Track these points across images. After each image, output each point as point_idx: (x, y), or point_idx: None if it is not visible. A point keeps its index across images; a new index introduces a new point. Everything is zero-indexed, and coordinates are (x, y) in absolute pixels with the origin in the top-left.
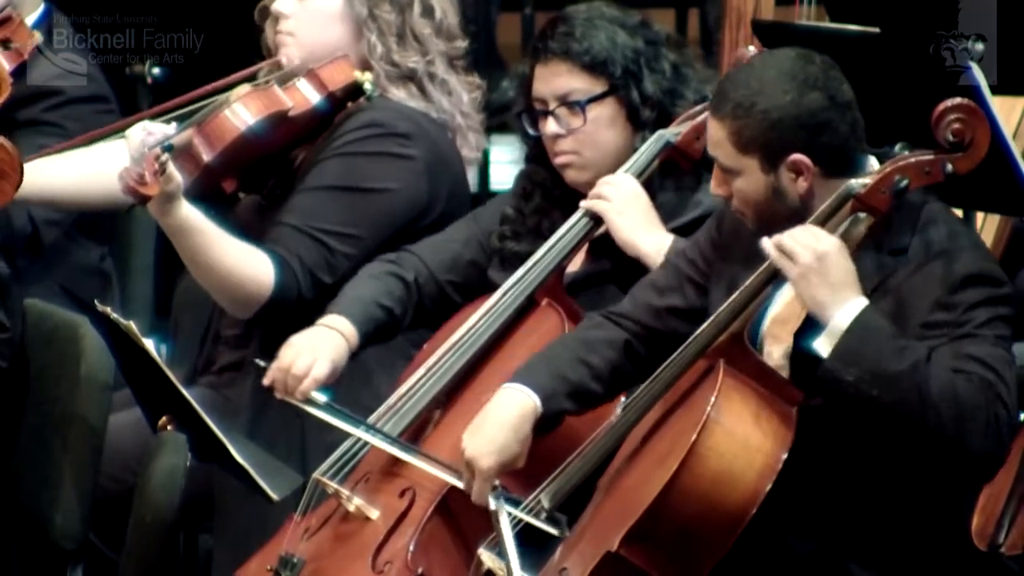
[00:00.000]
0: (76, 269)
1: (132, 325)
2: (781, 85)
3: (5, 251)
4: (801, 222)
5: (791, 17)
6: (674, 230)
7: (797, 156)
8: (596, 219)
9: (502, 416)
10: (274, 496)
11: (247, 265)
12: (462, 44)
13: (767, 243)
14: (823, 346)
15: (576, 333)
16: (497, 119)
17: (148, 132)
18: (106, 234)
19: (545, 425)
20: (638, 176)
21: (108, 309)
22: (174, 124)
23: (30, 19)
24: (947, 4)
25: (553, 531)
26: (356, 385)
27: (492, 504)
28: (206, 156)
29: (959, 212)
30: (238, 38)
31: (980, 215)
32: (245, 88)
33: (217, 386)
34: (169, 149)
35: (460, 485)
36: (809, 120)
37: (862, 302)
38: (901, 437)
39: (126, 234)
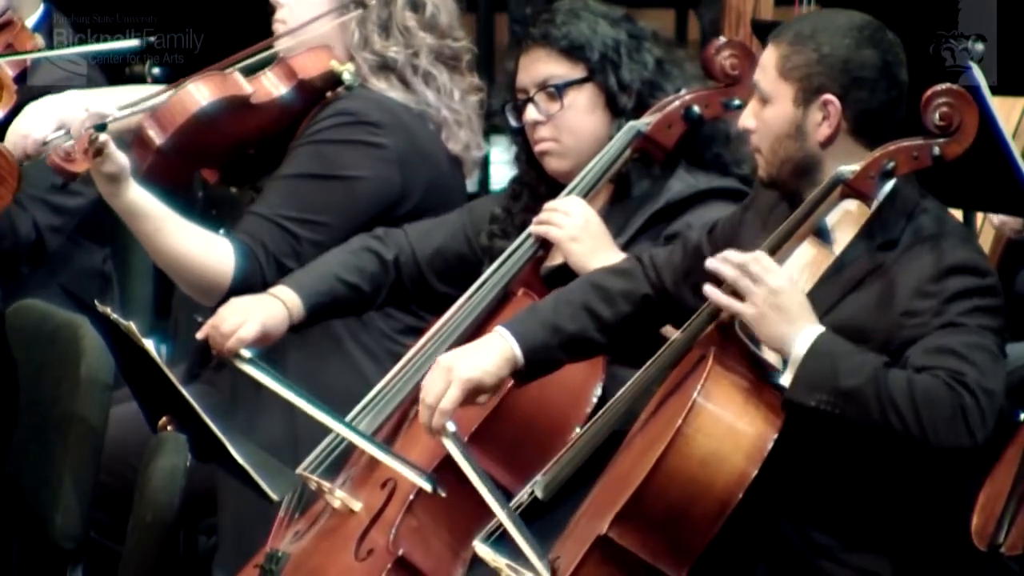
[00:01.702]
0: (78, 271)
1: (132, 325)
2: (845, 31)
3: (10, 259)
4: (806, 179)
5: (790, 17)
6: (648, 218)
7: (830, 96)
8: (544, 243)
9: (485, 350)
10: (274, 496)
11: (204, 251)
12: (457, 44)
13: (713, 292)
14: (786, 379)
15: (598, 276)
16: (497, 120)
17: (90, 112)
18: (107, 236)
19: (535, 371)
20: (610, 165)
21: (108, 309)
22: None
23: (31, 20)
24: (947, 4)
25: (426, 486)
26: (350, 384)
27: (451, 427)
28: (158, 139)
29: (959, 213)
30: (238, 38)
31: (980, 215)
32: None
33: (215, 383)
34: (102, 128)
35: (383, 455)
36: (855, 70)
37: (817, 329)
38: (874, 443)
39: (126, 234)
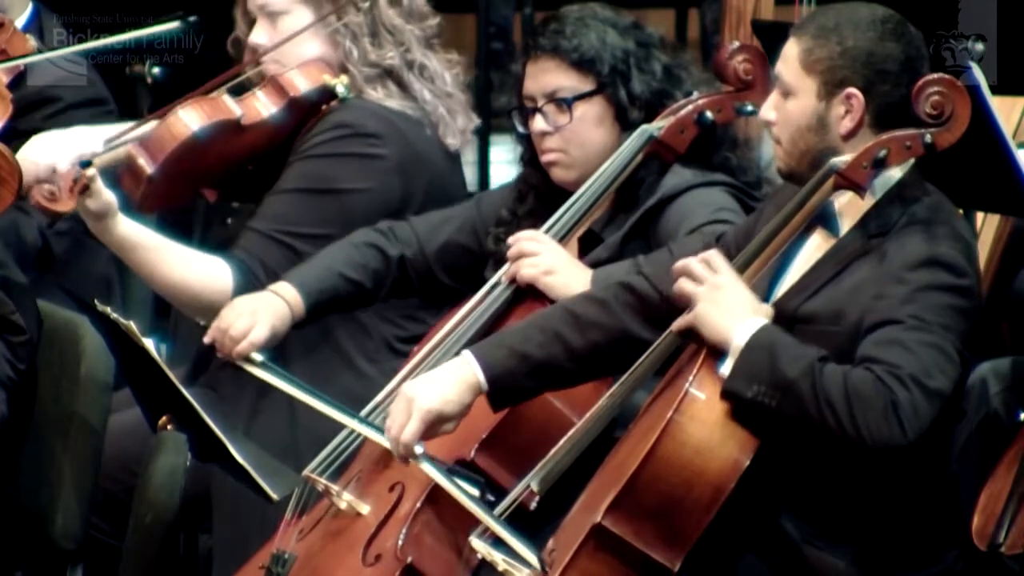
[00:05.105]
0: (82, 274)
1: (132, 325)
2: (868, 25)
3: (20, 266)
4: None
5: (791, 17)
6: (640, 216)
7: (853, 90)
8: (520, 287)
9: (447, 377)
10: (274, 496)
11: (200, 275)
12: (434, 21)
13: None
14: (726, 369)
15: (574, 303)
16: (497, 120)
17: (75, 153)
18: None
19: (503, 399)
20: (622, 170)
21: (108, 309)
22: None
23: (19, 21)
24: (947, 4)
25: (472, 490)
26: (352, 385)
27: (419, 449)
28: (148, 168)
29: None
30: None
31: (980, 215)
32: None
33: (214, 386)
34: (86, 165)
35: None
36: (878, 63)
37: (758, 321)
38: (813, 440)
39: None
